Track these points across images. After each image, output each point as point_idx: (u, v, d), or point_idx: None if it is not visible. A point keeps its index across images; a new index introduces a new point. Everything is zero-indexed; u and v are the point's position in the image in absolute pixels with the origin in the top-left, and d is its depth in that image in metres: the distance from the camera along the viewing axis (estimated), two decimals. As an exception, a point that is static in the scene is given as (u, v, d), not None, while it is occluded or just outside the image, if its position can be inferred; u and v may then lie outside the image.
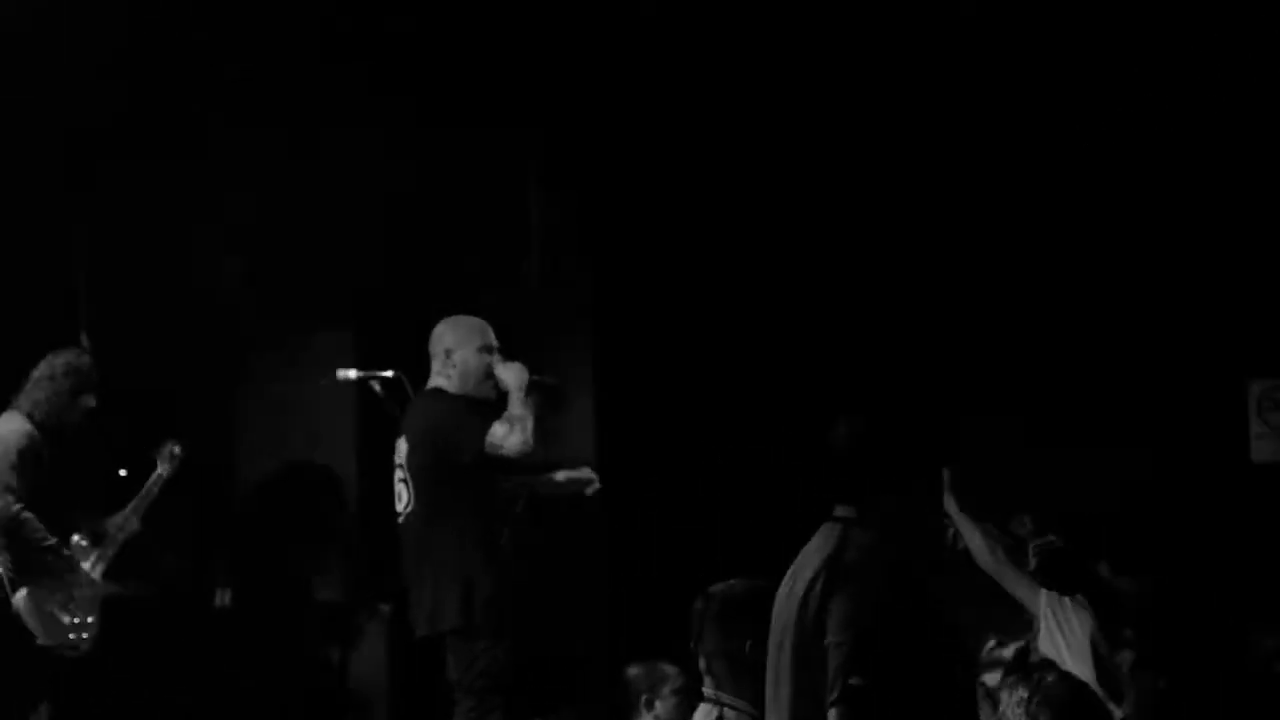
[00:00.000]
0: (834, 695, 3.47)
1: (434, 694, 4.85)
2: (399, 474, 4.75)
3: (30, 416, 5.07)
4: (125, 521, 5.33)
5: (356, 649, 6.21)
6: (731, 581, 4.06)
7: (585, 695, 5.76)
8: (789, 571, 3.78)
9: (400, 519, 4.74)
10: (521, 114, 6.33)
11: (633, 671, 4.90)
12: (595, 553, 6.19)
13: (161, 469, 5.46)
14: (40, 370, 5.14)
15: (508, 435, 4.41)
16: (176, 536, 5.84)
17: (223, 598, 6.17)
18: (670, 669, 4.75)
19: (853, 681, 3.47)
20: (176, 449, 5.46)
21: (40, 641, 5.05)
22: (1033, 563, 4.55)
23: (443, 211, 6.39)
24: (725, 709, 3.91)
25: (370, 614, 6.27)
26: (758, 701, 3.83)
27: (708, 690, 3.95)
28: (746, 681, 3.92)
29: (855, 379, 6.15)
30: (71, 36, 5.64)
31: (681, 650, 4.31)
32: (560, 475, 4.91)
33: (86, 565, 5.20)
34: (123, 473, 5.59)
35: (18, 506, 4.98)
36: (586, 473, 4.97)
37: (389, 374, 5.01)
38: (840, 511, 3.71)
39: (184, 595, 6.02)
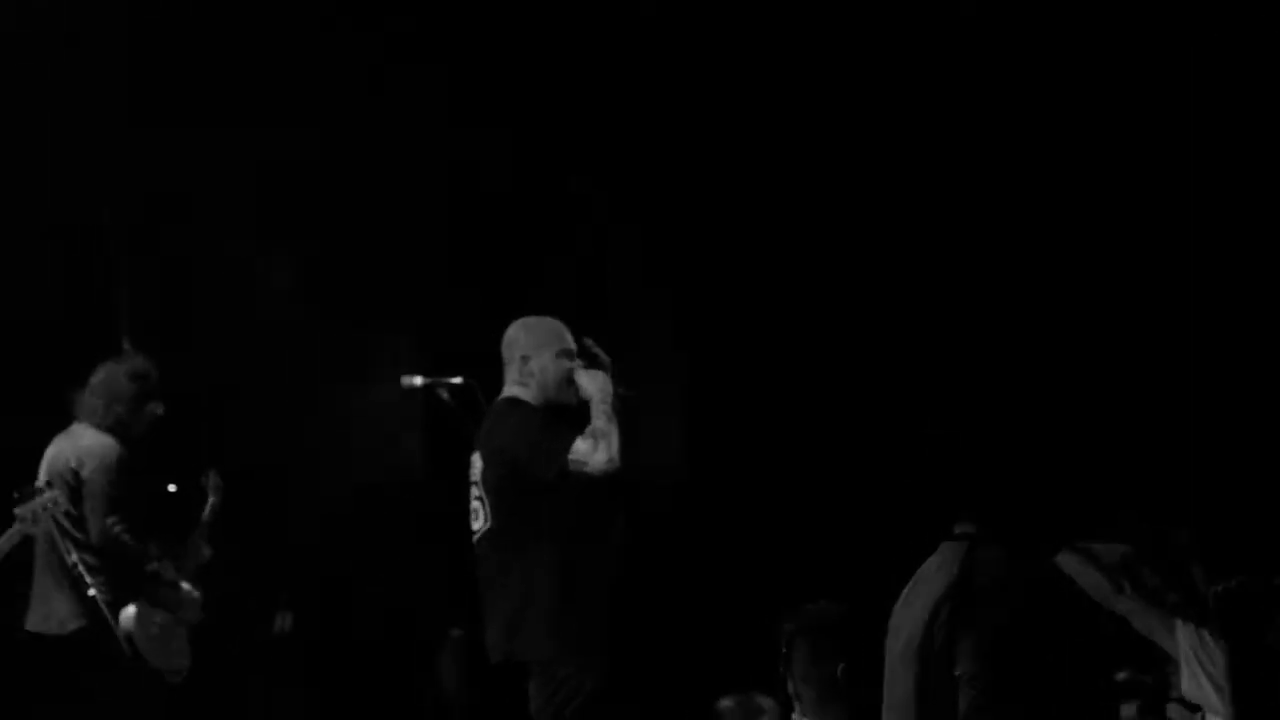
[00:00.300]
0: None
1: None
2: (474, 491, 4.55)
3: (101, 428, 4.98)
4: (196, 550, 5.29)
5: (427, 676, 6.09)
6: (824, 602, 3.91)
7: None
8: (904, 595, 3.66)
9: (475, 538, 4.54)
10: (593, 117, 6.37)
11: (725, 704, 4.80)
12: (685, 573, 6.06)
13: (213, 498, 5.41)
14: (100, 377, 5.04)
15: (592, 452, 4.20)
16: (233, 558, 5.81)
17: (283, 622, 6.10)
18: (766, 701, 4.66)
19: None
20: (215, 476, 5.45)
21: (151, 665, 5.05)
22: (1214, 611, 4.31)
23: (509, 212, 6.42)
24: None
25: (440, 640, 6.15)
26: None
27: (796, 718, 3.82)
28: (837, 709, 3.81)
29: (960, 389, 6.03)
30: (109, 31, 5.75)
31: (777, 678, 4.08)
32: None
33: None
34: (172, 488, 5.56)
35: (119, 527, 4.92)
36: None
37: (458, 380, 4.77)
38: (962, 528, 3.55)
39: (244, 620, 5.99)
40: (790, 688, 3.88)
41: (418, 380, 4.94)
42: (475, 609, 4.63)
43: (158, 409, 5.12)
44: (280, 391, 6.48)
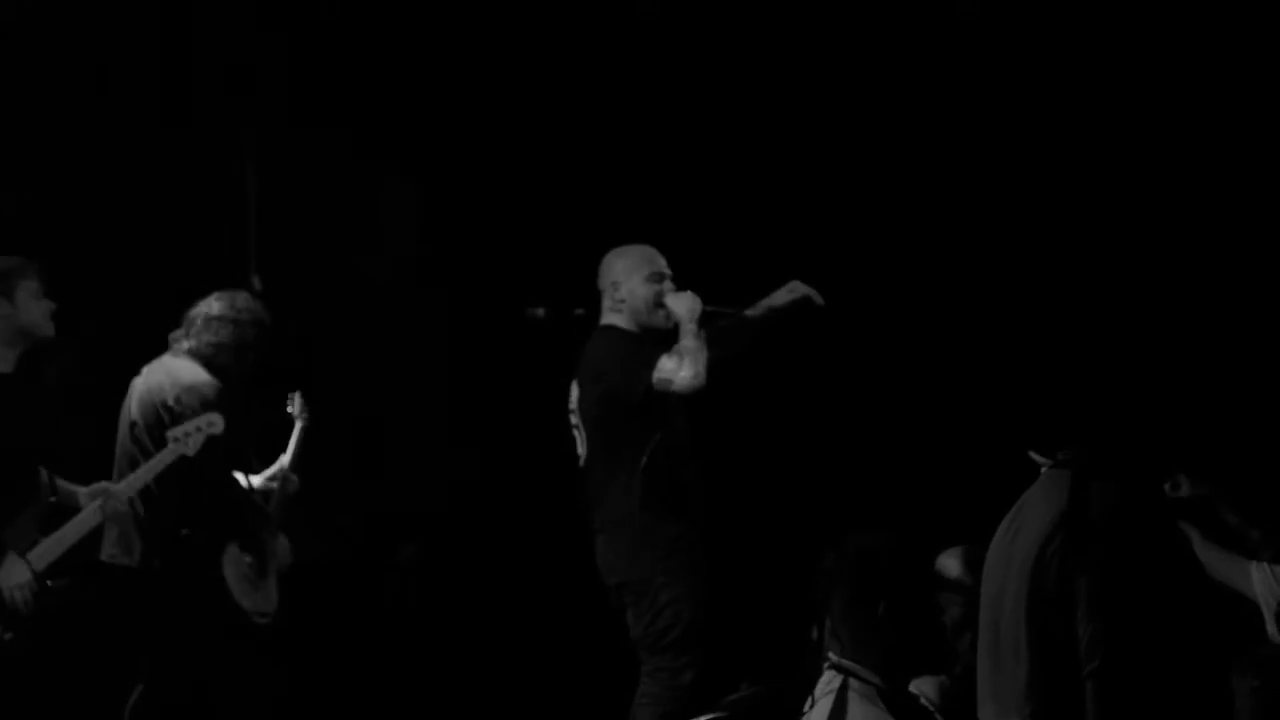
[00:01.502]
0: (1092, 666, 3.37)
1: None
2: (572, 419, 4.65)
3: (204, 360, 4.85)
4: (286, 480, 5.18)
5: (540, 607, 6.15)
6: (868, 533, 3.64)
7: (785, 657, 5.51)
8: (1004, 528, 3.61)
9: (581, 464, 4.67)
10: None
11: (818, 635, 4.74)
12: (790, 495, 6.02)
13: (300, 423, 5.28)
14: (215, 309, 4.89)
15: (677, 370, 4.30)
16: (345, 495, 5.89)
17: (406, 553, 6.21)
18: None
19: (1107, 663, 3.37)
20: (300, 399, 5.30)
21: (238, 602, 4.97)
22: None
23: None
24: (851, 678, 3.44)
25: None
26: (883, 671, 3.45)
27: (833, 656, 3.51)
28: (875, 648, 3.49)
29: (1058, 310, 5.92)
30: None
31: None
32: (777, 297, 4.73)
33: None
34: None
35: (216, 470, 4.82)
36: (799, 287, 4.78)
37: (580, 311, 4.84)
38: (1065, 455, 3.51)
39: (364, 554, 6.11)
40: (827, 625, 3.61)
41: (540, 311, 5.01)
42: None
43: (257, 356, 5.00)
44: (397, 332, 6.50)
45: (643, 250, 4.62)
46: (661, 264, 4.58)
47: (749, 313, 4.74)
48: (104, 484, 4.64)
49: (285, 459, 5.20)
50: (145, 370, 4.83)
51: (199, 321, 4.79)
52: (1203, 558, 4.38)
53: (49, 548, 4.46)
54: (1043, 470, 3.66)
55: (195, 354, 4.77)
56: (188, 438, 4.70)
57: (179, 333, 4.85)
